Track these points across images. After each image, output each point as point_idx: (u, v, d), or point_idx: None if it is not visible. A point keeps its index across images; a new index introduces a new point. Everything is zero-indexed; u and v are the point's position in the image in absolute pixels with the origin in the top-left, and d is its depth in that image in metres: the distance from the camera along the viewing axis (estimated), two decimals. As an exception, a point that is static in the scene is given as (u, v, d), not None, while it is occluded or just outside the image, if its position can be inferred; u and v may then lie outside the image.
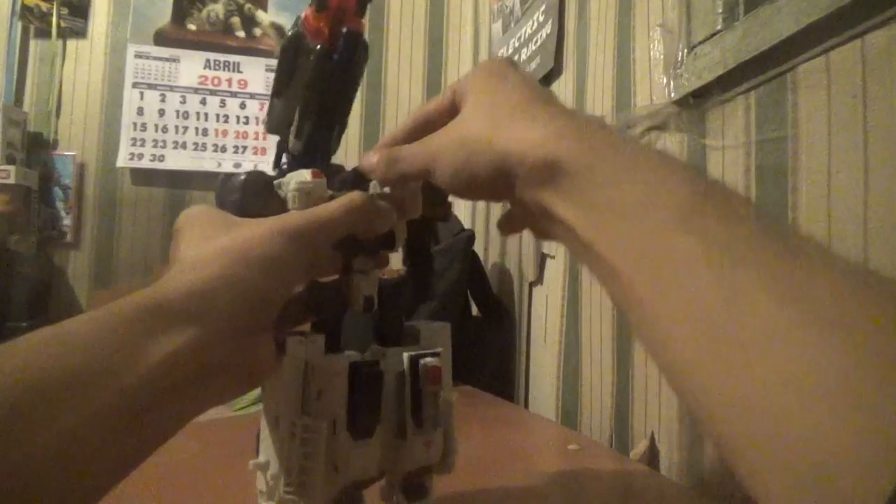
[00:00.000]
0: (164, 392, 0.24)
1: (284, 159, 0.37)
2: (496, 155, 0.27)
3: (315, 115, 0.34)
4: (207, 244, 0.28)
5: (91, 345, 0.23)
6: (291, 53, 0.35)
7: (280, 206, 0.32)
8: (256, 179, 0.32)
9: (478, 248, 1.04)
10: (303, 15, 0.34)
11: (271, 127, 0.37)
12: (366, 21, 0.35)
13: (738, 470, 0.18)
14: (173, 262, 0.28)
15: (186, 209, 0.31)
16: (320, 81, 0.34)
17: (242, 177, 0.32)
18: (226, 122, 1.50)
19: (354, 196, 0.31)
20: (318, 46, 0.33)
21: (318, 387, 0.30)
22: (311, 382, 0.30)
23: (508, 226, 0.38)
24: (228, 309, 0.26)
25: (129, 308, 0.24)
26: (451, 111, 0.32)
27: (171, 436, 0.26)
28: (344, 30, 0.33)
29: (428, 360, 0.33)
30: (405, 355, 0.33)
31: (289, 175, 0.33)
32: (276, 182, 0.33)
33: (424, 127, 0.33)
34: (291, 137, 0.36)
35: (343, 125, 0.37)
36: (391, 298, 0.35)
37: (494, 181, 0.27)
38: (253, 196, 0.32)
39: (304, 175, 0.32)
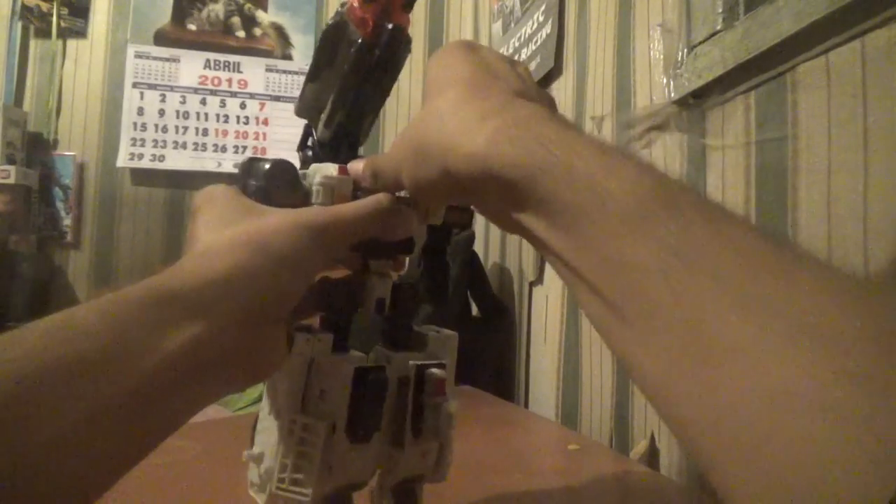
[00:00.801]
0: (175, 381, 0.24)
1: (309, 144, 0.36)
2: (440, 164, 0.25)
3: (349, 105, 0.34)
4: (226, 231, 0.27)
5: (101, 332, 0.22)
6: (332, 40, 0.34)
7: (303, 198, 0.31)
8: (283, 168, 0.31)
9: (478, 248, 1.04)
10: (348, 2, 0.33)
11: (301, 111, 0.36)
12: (411, 16, 0.34)
13: (718, 488, 0.17)
14: (191, 242, 0.28)
15: (205, 187, 0.30)
16: (358, 74, 0.33)
17: (268, 164, 0.31)
18: (226, 122, 1.50)
19: (382, 198, 0.30)
20: (360, 39, 0.32)
21: (321, 387, 0.30)
22: (314, 381, 0.30)
23: None
24: (244, 301, 0.25)
25: (140, 295, 0.24)
26: None
27: (179, 426, 0.26)
28: (389, 25, 0.32)
29: (434, 371, 0.32)
30: (412, 364, 0.33)
31: (314, 167, 0.32)
32: (301, 172, 0.33)
33: None
34: (321, 125, 0.35)
35: (375, 115, 0.36)
36: (404, 302, 0.34)
37: (449, 189, 0.26)
38: (277, 185, 0.31)
39: (331, 170, 0.31)
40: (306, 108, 0.36)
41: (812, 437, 0.14)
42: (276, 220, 0.27)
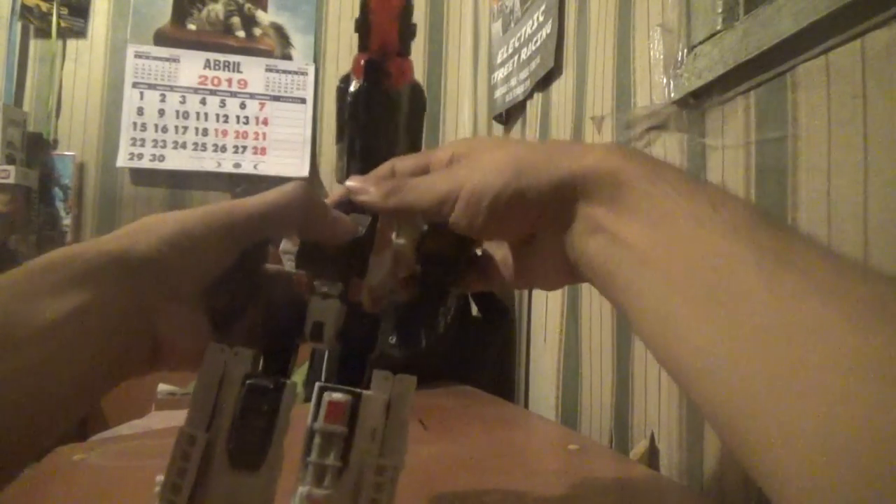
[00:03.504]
0: (62, 348, 0.24)
1: None
2: (557, 171, 0.27)
3: (357, 153, 0.34)
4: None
5: None
6: (342, 97, 0.35)
7: None
8: (247, 192, 0.33)
9: (478, 248, 1.04)
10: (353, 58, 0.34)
11: (337, 174, 0.37)
12: (412, 59, 0.34)
13: (778, 463, 0.18)
14: None
15: None
16: (356, 119, 0.34)
17: (238, 189, 0.33)
18: (226, 122, 1.50)
19: (294, 186, 0.30)
20: (354, 82, 0.33)
21: (222, 403, 0.27)
22: (220, 398, 0.27)
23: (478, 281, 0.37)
24: (133, 272, 0.26)
25: (30, 266, 0.25)
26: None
27: (89, 400, 0.26)
28: (363, 60, 0.32)
29: (336, 395, 0.27)
30: (317, 385, 0.28)
31: None
32: None
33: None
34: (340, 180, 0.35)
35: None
36: (355, 332, 0.31)
37: (547, 202, 0.27)
38: None
39: None
40: (339, 169, 0.37)
41: (881, 400, 0.16)
42: (186, 212, 0.29)
